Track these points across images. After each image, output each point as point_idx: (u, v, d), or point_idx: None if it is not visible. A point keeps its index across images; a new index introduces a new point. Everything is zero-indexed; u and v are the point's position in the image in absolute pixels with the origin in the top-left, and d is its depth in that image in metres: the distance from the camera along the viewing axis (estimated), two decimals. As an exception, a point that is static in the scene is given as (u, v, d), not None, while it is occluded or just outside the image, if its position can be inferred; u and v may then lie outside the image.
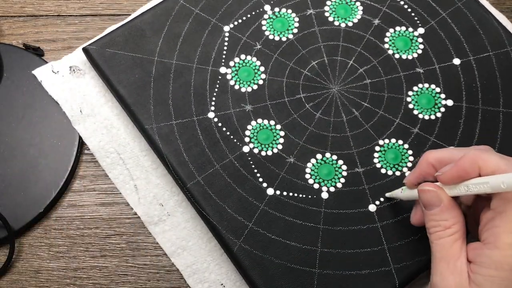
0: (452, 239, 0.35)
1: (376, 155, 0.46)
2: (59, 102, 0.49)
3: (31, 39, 0.52)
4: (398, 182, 0.45)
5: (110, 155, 0.48)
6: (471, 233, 0.38)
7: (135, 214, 0.46)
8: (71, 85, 0.50)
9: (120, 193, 0.47)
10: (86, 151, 0.49)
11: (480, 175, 0.34)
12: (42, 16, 0.53)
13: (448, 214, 0.36)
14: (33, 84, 0.49)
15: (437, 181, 0.37)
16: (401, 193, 0.42)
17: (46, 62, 0.50)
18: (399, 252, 0.43)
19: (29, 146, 0.47)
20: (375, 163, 0.46)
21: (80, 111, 0.49)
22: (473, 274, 0.34)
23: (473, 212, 0.38)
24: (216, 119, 0.47)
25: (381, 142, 0.46)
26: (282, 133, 0.47)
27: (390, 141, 0.46)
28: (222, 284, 0.44)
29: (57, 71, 0.50)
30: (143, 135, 0.47)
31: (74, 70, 0.50)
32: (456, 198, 0.36)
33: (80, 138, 0.48)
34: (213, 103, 0.47)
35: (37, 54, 0.51)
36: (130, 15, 0.53)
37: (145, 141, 0.47)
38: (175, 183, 0.46)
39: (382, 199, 0.44)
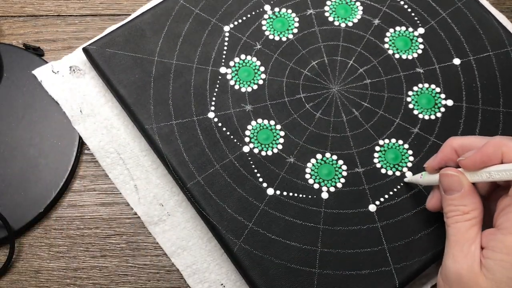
0: (469, 224, 0.36)
1: (376, 155, 0.46)
2: (59, 102, 0.49)
3: (31, 39, 0.52)
4: (398, 182, 0.45)
5: (110, 155, 0.48)
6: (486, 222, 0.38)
7: (135, 214, 0.46)
8: (71, 85, 0.50)
9: (120, 193, 0.47)
10: (86, 151, 0.49)
11: (502, 162, 0.34)
12: (42, 16, 0.53)
13: (468, 200, 0.36)
14: (33, 84, 0.49)
15: (458, 167, 0.37)
16: (420, 178, 0.42)
17: (46, 62, 0.50)
18: (399, 252, 0.43)
19: (29, 146, 0.47)
20: (375, 163, 0.46)
21: (80, 111, 0.49)
22: (485, 259, 0.34)
23: (487, 203, 0.38)
24: (216, 119, 0.47)
25: (381, 142, 0.46)
26: (282, 133, 0.47)
27: (390, 141, 0.46)
28: (222, 284, 0.44)
29: (57, 71, 0.50)
30: (143, 135, 0.47)
31: (74, 70, 0.50)
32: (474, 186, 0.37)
33: (80, 138, 0.48)
34: (213, 103, 0.47)
35: (37, 54, 0.51)
36: (130, 15, 0.53)
37: (145, 141, 0.47)
38: (175, 183, 0.46)
39: (382, 199, 0.44)
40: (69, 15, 0.53)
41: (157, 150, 0.46)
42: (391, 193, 0.45)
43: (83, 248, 0.46)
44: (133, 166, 0.48)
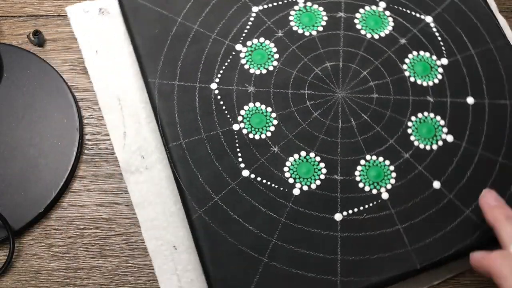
0: None
1: (359, 168, 0.45)
2: (78, 39, 0.51)
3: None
4: (372, 199, 0.44)
5: (110, 99, 0.49)
6: None
7: (135, 214, 0.46)
8: (96, 26, 0.51)
9: (120, 193, 0.47)
10: (86, 151, 0.49)
11: None
12: (42, 16, 0.53)
13: None
14: (33, 84, 0.49)
15: None
16: None
17: (46, 62, 0.50)
18: (350, 266, 0.42)
19: (29, 146, 0.47)
20: (356, 176, 0.45)
21: (96, 52, 0.50)
22: None
23: None
24: (217, 91, 0.48)
25: (368, 157, 0.46)
26: (275, 122, 0.47)
27: (377, 159, 0.46)
28: (174, 247, 0.45)
29: (88, 11, 0.52)
30: (146, 87, 0.48)
31: (103, 12, 0.52)
32: None
33: (80, 138, 0.48)
34: (219, 75, 0.48)
35: (38, 45, 0.51)
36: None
37: (146, 94, 0.48)
38: (161, 140, 0.47)
39: (350, 211, 0.44)
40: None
41: (153, 104, 0.47)
42: (361, 208, 0.44)
43: (83, 248, 0.46)
44: (128, 114, 0.49)
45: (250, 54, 0.49)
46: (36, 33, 0.51)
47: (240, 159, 0.46)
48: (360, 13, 0.51)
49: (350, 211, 0.44)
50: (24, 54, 0.50)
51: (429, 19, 0.50)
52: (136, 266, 0.45)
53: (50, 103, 0.49)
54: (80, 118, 0.49)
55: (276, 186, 0.45)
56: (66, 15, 0.52)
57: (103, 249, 0.46)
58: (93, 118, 0.49)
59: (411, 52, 0.50)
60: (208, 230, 0.43)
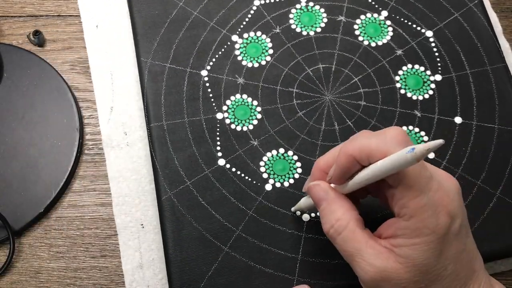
0: (349, 231, 0.35)
1: None
2: (81, 12, 0.52)
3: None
4: None
5: (104, 73, 0.50)
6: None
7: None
8: (99, 1, 0.52)
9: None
10: (86, 151, 0.49)
11: (362, 165, 0.34)
12: (42, 16, 0.53)
13: (336, 205, 0.36)
14: (33, 84, 0.49)
15: None
16: (302, 203, 0.42)
17: (46, 62, 0.50)
18: (309, 267, 0.42)
19: (29, 146, 0.47)
20: None
21: (96, 26, 0.51)
22: (397, 248, 0.34)
23: (380, 193, 0.37)
24: (206, 78, 0.48)
25: None
26: (259, 116, 0.47)
27: None
28: (142, 225, 0.46)
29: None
30: (138, 66, 0.49)
31: (109, -13, 0.53)
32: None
33: (80, 138, 0.48)
34: (211, 63, 0.49)
35: (38, 45, 0.51)
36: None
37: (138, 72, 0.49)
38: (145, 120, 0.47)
39: (318, 214, 0.44)
40: (69, 15, 0.53)
41: (142, 83, 0.48)
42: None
43: (83, 248, 0.46)
44: (118, 90, 0.50)
45: (245, 46, 0.50)
46: (36, 33, 0.51)
47: (218, 148, 0.46)
48: (361, 19, 0.51)
49: (318, 213, 0.44)
50: (24, 54, 0.50)
51: (429, 33, 0.50)
52: (137, 267, 0.46)
53: (50, 103, 0.49)
54: (80, 118, 0.49)
55: (250, 179, 0.45)
56: (66, 15, 0.52)
57: (103, 249, 0.46)
58: (93, 118, 0.49)
59: (405, 64, 0.49)
60: (175, 213, 0.44)
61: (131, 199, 0.46)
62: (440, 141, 0.29)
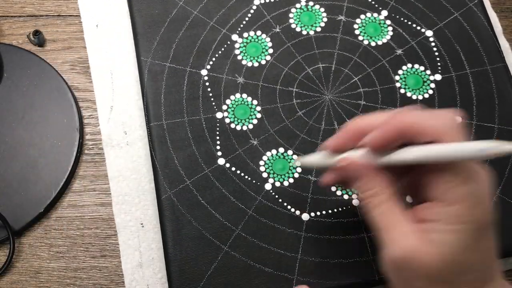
0: (386, 207, 0.34)
1: None
2: (81, 11, 0.52)
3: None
4: (341, 204, 0.45)
5: (104, 73, 0.50)
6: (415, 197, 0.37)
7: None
8: (100, 1, 0.52)
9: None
10: (86, 151, 0.48)
11: (403, 142, 0.33)
12: (42, 16, 0.53)
13: (374, 182, 0.35)
14: (33, 84, 0.49)
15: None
16: (316, 160, 0.39)
17: (46, 62, 0.50)
18: (309, 267, 0.42)
19: (29, 146, 0.47)
20: None
21: (96, 25, 0.51)
22: (433, 233, 0.32)
23: (411, 175, 0.36)
24: (206, 78, 0.48)
25: None
26: (258, 115, 0.47)
27: None
28: (141, 224, 0.46)
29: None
30: (138, 65, 0.49)
31: (110, -14, 0.53)
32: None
33: (80, 138, 0.48)
34: (211, 62, 0.49)
35: (38, 45, 0.51)
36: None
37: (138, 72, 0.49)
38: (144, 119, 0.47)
39: (318, 213, 0.44)
40: (69, 15, 0.53)
41: (142, 83, 0.48)
42: (330, 211, 0.44)
43: (83, 248, 0.46)
44: (118, 90, 0.50)
45: (245, 46, 0.50)
46: (36, 33, 0.51)
47: (218, 147, 0.46)
48: (361, 18, 0.51)
49: (318, 213, 0.44)
50: (24, 54, 0.50)
51: (429, 33, 0.50)
52: (137, 267, 0.45)
53: (50, 103, 0.49)
54: (80, 118, 0.49)
55: (249, 178, 0.45)
56: (66, 15, 0.52)
57: (103, 249, 0.46)
58: (93, 118, 0.49)
59: (405, 64, 0.49)
60: (175, 212, 0.44)
61: (131, 198, 0.46)
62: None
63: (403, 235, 0.33)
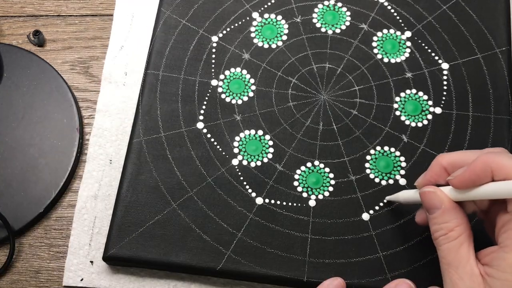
0: (457, 243, 0.34)
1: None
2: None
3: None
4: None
5: (126, 14, 0.52)
6: (491, 238, 0.37)
7: None
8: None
9: None
10: (86, 151, 0.48)
11: (493, 179, 0.33)
12: (42, 16, 0.53)
13: (450, 216, 0.35)
14: (33, 84, 0.49)
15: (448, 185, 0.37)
16: (402, 196, 0.41)
17: (46, 62, 0.51)
18: (245, 247, 0.43)
19: (29, 146, 0.47)
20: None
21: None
22: (489, 278, 0.33)
23: (490, 216, 0.37)
24: (215, 44, 0.49)
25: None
26: (251, 94, 0.48)
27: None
28: (110, 160, 0.48)
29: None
30: (156, 15, 0.51)
31: None
32: (462, 202, 0.36)
33: (80, 138, 0.48)
34: (224, 32, 0.50)
35: (38, 45, 0.52)
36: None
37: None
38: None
39: (273, 201, 0.44)
40: (69, 15, 0.53)
41: (154, 32, 0.50)
42: (284, 203, 0.45)
43: None
44: (133, 33, 0.52)
45: (261, 26, 0.50)
46: (36, 33, 0.51)
47: (202, 111, 0.47)
48: (383, 32, 0.50)
49: (273, 201, 0.45)
50: (24, 54, 0.50)
51: (445, 65, 0.49)
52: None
53: (50, 103, 0.49)
54: (80, 118, 0.49)
55: (220, 149, 0.46)
56: (66, 15, 0.53)
57: None
58: (93, 118, 0.49)
59: (410, 88, 0.49)
60: (140, 157, 0.45)
61: (109, 134, 0.48)
62: None
63: (463, 277, 0.33)
